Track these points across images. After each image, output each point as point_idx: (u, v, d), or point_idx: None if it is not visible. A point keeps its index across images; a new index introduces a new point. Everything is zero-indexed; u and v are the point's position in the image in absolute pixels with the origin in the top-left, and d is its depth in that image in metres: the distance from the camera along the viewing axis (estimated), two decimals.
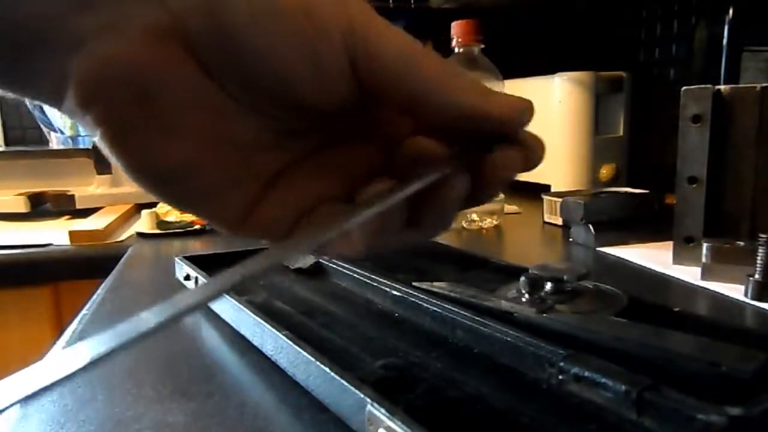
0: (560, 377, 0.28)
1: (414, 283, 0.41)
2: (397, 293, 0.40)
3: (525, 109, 0.21)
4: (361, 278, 0.45)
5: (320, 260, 0.51)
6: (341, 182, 0.22)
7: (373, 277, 0.44)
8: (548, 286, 0.37)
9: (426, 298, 0.38)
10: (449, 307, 0.36)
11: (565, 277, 0.37)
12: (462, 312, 0.35)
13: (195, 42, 0.18)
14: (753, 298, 0.44)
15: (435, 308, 0.37)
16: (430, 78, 0.19)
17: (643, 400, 0.24)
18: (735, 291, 0.46)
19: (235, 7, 0.18)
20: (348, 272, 0.47)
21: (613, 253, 0.59)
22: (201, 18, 0.18)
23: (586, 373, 0.27)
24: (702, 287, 0.48)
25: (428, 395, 0.28)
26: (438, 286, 0.41)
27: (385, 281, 0.42)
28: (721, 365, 0.27)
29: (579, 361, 0.27)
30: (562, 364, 0.28)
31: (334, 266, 0.49)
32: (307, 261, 0.51)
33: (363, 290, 0.44)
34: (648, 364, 0.28)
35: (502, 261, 0.49)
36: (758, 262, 0.44)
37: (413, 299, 0.39)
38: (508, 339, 0.31)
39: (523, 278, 0.37)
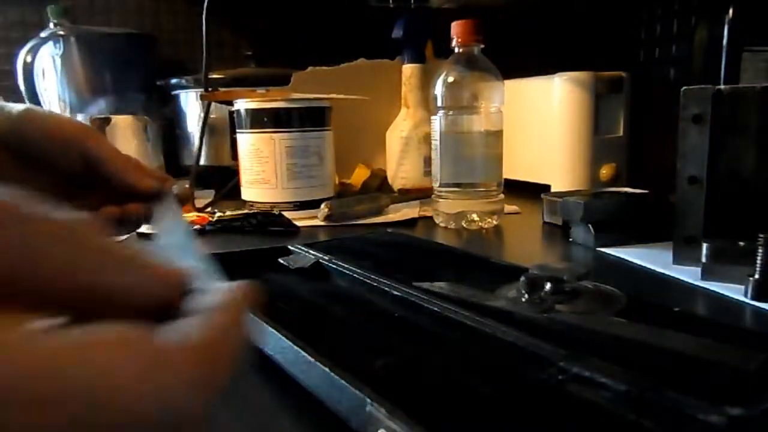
0: (560, 377, 0.28)
1: (414, 283, 0.41)
2: (397, 293, 0.40)
3: (160, 188, 0.43)
4: (361, 278, 0.45)
5: (321, 260, 0.51)
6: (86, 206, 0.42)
7: (373, 277, 0.44)
8: (548, 286, 0.37)
9: (426, 298, 0.38)
10: (449, 307, 0.36)
11: (564, 277, 0.37)
12: (462, 312, 0.35)
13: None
14: (753, 298, 0.44)
15: (435, 308, 0.37)
16: (115, 167, 0.42)
17: (643, 400, 0.25)
18: (735, 291, 0.46)
19: (27, 131, 0.40)
20: (348, 272, 0.47)
21: (613, 253, 0.59)
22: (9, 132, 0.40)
23: (586, 373, 0.27)
24: (702, 287, 0.48)
25: (428, 395, 0.28)
26: (438, 286, 0.41)
27: (385, 281, 0.42)
28: (722, 365, 0.27)
29: (579, 361, 0.27)
30: (562, 364, 0.28)
31: (334, 266, 0.49)
32: (307, 261, 0.51)
33: (363, 290, 0.44)
34: (648, 364, 0.28)
35: (502, 261, 0.49)
36: (758, 262, 0.44)
37: (413, 299, 0.39)
38: (508, 339, 0.31)
39: (523, 278, 0.37)
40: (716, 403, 0.23)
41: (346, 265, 0.48)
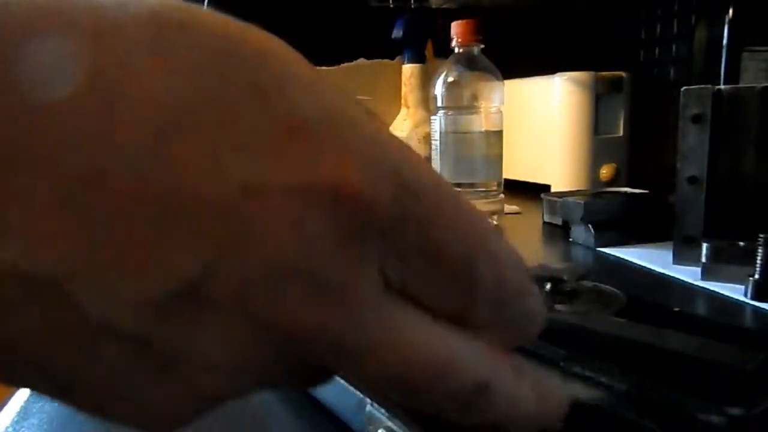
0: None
1: None
2: None
3: None
4: None
5: None
6: None
7: None
8: (548, 286, 0.37)
9: None
10: None
11: (564, 277, 0.37)
12: None
13: None
14: (753, 298, 0.44)
15: None
16: None
17: (643, 400, 0.25)
18: (735, 291, 0.46)
19: None
20: None
21: (613, 253, 0.59)
22: None
23: (587, 373, 0.27)
24: (702, 287, 0.48)
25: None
26: None
27: None
28: (722, 365, 0.27)
29: (579, 361, 0.27)
30: (562, 364, 0.28)
31: None
32: None
33: None
34: (648, 364, 0.28)
35: None
36: (758, 262, 0.44)
37: None
38: None
39: None
40: (716, 403, 0.23)
41: None
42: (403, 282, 0.14)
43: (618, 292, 0.38)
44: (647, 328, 0.32)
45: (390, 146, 0.14)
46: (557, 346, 0.29)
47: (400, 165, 0.14)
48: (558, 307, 0.35)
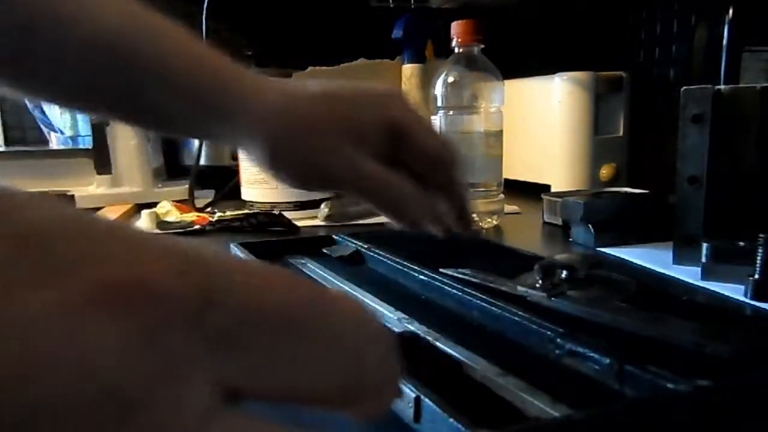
0: (557, 352, 0.32)
1: (441, 269, 0.45)
2: (424, 278, 0.45)
3: None
4: (394, 264, 0.49)
5: (360, 249, 0.55)
6: None
7: (404, 263, 0.48)
8: (560, 273, 0.40)
9: (448, 282, 0.42)
10: (467, 290, 0.40)
11: (576, 266, 0.40)
12: (478, 294, 0.39)
13: None
14: (753, 298, 0.44)
15: (455, 291, 0.41)
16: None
17: (624, 371, 0.28)
18: (735, 291, 0.46)
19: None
20: (383, 259, 0.51)
21: (613, 253, 0.59)
22: None
23: (579, 349, 0.31)
24: (702, 287, 0.48)
25: (434, 369, 0.32)
26: (462, 272, 0.45)
27: (414, 266, 0.46)
28: (706, 347, 0.31)
29: (573, 338, 0.31)
30: (558, 340, 0.32)
31: (371, 254, 0.53)
32: (347, 250, 0.56)
33: (395, 275, 0.49)
34: (640, 344, 0.33)
35: (525, 251, 0.54)
36: (758, 262, 0.44)
37: (438, 283, 0.43)
38: (516, 319, 0.35)
39: (537, 266, 0.41)
40: (690, 377, 0.26)
41: (381, 253, 0.52)
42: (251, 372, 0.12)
43: (628, 279, 0.41)
44: (645, 313, 0.35)
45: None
46: (557, 325, 0.33)
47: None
48: (569, 293, 0.39)
